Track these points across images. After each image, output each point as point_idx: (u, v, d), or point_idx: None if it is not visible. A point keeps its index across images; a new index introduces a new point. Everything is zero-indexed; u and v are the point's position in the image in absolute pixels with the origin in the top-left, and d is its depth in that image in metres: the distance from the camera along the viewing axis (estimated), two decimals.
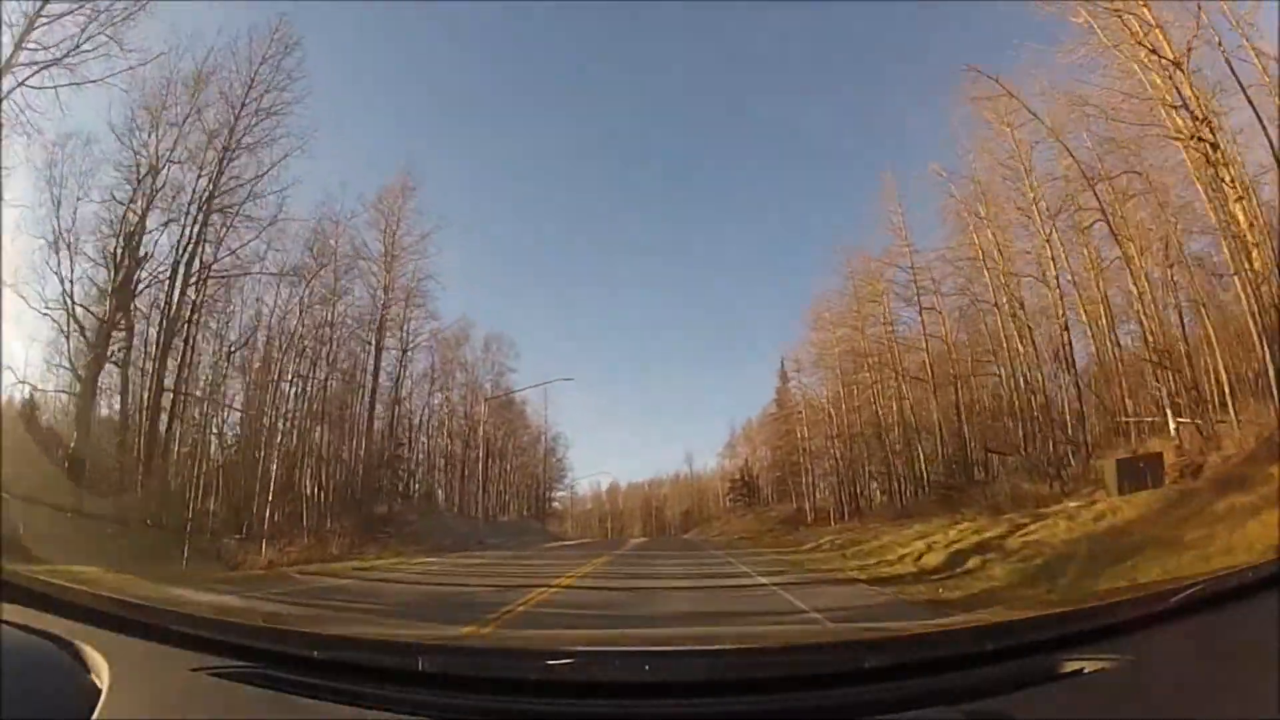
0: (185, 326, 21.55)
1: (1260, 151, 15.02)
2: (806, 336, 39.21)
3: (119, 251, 19.70)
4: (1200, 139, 14.90)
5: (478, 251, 70.86)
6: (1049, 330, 22.63)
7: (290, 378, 25.77)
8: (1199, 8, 15.07)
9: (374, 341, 27.74)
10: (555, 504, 68.19)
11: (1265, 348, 14.86)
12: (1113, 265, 21.16)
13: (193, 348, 21.63)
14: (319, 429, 31.44)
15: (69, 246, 19.19)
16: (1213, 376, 18.13)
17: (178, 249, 20.64)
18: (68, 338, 19.39)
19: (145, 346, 20.54)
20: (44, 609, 1.51)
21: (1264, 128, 14.29)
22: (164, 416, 20.73)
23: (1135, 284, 19.23)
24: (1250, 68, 14.76)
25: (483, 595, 10.05)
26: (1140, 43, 15.75)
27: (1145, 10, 15.72)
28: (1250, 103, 14.45)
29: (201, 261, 20.94)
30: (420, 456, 40.08)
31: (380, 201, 29.58)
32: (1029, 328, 22.51)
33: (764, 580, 11.41)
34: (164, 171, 20.73)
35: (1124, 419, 19.23)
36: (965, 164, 24.70)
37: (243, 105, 22.42)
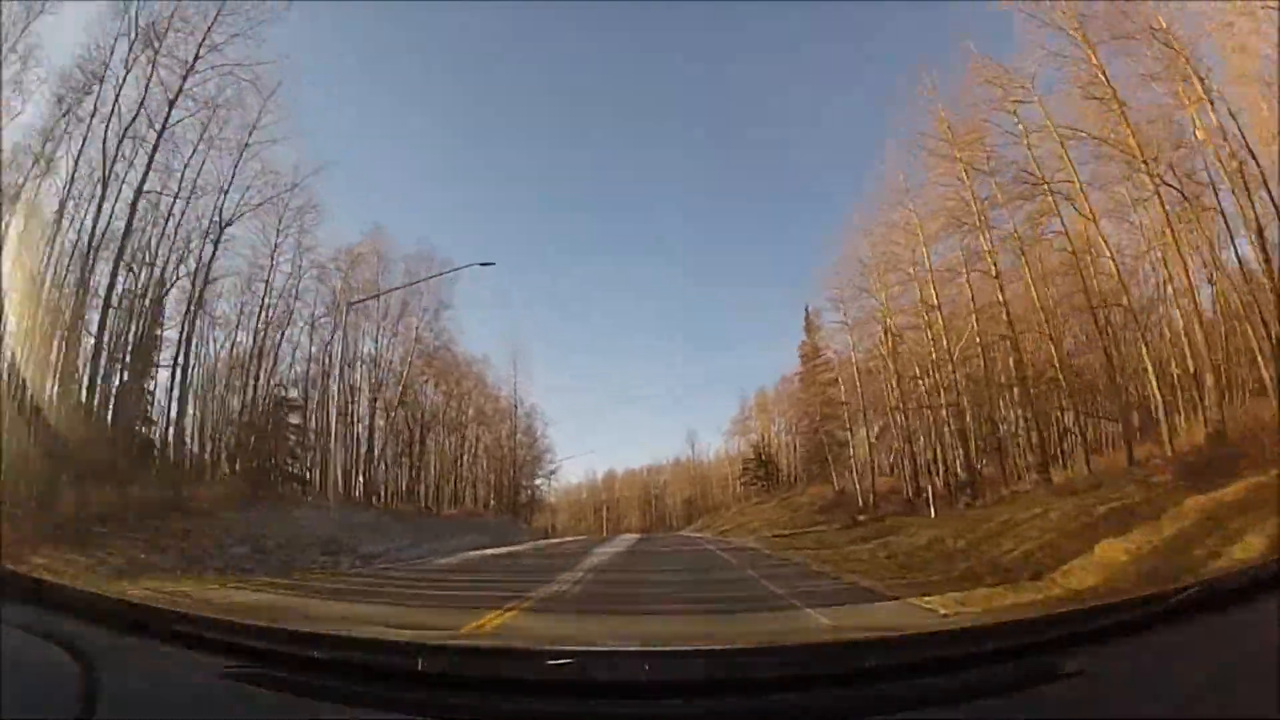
0: None
1: None
2: (849, 250, 27.58)
3: None
4: None
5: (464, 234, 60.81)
6: None
7: None
8: None
9: (103, 165, 15.61)
10: (543, 492, 56.35)
11: None
12: None
13: None
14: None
15: None
16: None
17: None
18: None
19: None
20: (44, 609, 1.51)
21: None
22: None
23: None
24: None
25: None
26: None
27: None
28: None
29: None
30: (313, 423, 28.35)
31: None
32: None
33: None
34: None
35: None
36: None
37: None
